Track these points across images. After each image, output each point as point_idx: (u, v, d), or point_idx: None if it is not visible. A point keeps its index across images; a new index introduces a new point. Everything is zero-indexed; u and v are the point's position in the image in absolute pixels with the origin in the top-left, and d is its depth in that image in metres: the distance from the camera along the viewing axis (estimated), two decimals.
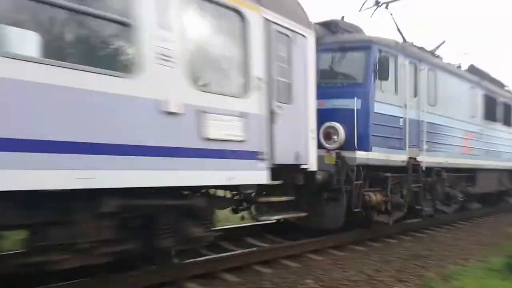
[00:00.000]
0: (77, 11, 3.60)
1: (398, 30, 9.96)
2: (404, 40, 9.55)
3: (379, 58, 7.64)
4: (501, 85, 13.75)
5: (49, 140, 3.29)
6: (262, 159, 5.33)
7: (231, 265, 5.67)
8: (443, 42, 11.12)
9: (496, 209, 13.73)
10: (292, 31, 6.00)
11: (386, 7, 10.02)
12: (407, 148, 8.50)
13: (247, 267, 5.84)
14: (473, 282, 5.84)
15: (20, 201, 3.32)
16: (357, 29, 8.82)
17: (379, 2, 10.00)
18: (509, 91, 14.16)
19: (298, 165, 6.08)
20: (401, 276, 6.13)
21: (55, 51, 3.64)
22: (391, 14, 10.08)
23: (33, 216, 3.53)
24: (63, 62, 3.43)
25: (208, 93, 4.69)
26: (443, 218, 10.61)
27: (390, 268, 6.39)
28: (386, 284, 5.74)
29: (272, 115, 5.52)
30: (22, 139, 3.12)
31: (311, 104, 6.40)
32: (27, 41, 3.31)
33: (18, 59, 3.13)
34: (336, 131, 7.30)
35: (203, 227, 4.97)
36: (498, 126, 12.77)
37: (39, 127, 3.24)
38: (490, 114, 12.22)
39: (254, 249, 6.46)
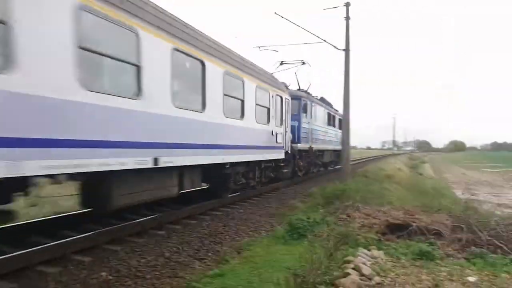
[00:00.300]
0: (261, 106, 11.91)
1: (298, 83, 19.60)
2: (299, 87, 19.11)
3: (303, 104, 17.26)
4: (330, 104, 24.19)
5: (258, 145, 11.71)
6: (283, 149, 13.82)
7: (7, 269, 4.91)
8: (310, 84, 21.34)
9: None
10: (287, 99, 14.42)
11: (295, 73, 19.84)
12: (309, 141, 18.03)
13: (28, 269, 5.12)
14: (261, 250, 6.49)
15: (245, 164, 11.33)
16: (286, 85, 15.98)
17: (283, 63, 18.99)
18: (334, 108, 24.90)
19: (287, 151, 14.39)
20: (199, 254, 6.34)
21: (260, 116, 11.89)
22: (295, 74, 19.73)
23: (247, 169, 11.73)
24: (258, 123, 11.77)
25: (277, 127, 13.17)
26: (242, 195, 11.58)
27: (189, 248, 6.53)
28: (185, 264, 5.84)
29: (285, 132, 14.13)
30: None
31: (289, 126, 14.95)
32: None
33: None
34: (290, 136, 15.06)
35: (273, 173, 14.15)
36: (331, 128, 23.37)
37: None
38: (329, 121, 22.77)
39: (36, 248, 5.55)
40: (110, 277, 5.04)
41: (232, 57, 9.88)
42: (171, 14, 7.69)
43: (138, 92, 6.36)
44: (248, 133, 10.74)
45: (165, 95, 7.05)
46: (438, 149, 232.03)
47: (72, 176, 5.85)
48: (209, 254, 6.42)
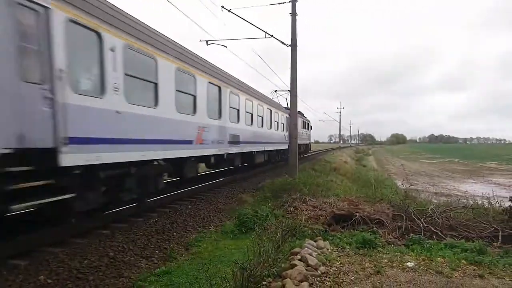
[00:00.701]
0: (282, 123, 23.84)
1: (287, 104, 23.84)
2: (287, 107, 22.70)
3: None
4: (302, 114, 30.21)
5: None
6: (287, 144, 21.84)
7: None
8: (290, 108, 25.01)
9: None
10: (287, 116, 21.08)
11: (286, 98, 26.14)
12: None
13: None
14: (210, 246, 6.45)
15: (277, 150, 23.34)
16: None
17: (276, 91, 27.19)
18: (305, 117, 32.19)
19: (288, 144, 20.72)
20: (146, 252, 6.18)
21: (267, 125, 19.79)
22: (286, 99, 25.88)
23: (277, 153, 23.97)
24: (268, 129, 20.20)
25: (286, 132, 23.58)
26: (187, 191, 11.36)
27: (135, 247, 6.32)
28: (131, 263, 5.68)
29: (288, 135, 19.97)
30: None
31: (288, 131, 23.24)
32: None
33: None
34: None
35: (282, 156, 24.53)
36: (304, 130, 31.07)
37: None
38: (303, 126, 29.54)
39: None
40: (49, 281, 4.78)
41: (277, 105, 22.53)
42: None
43: (251, 122, 16.02)
44: (279, 136, 22.34)
45: (257, 122, 17.09)
46: (381, 142, 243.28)
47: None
48: (156, 252, 6.29)
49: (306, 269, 4.65)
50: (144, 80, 7.80)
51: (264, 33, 15.26)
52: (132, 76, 7.29)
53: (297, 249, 5.44)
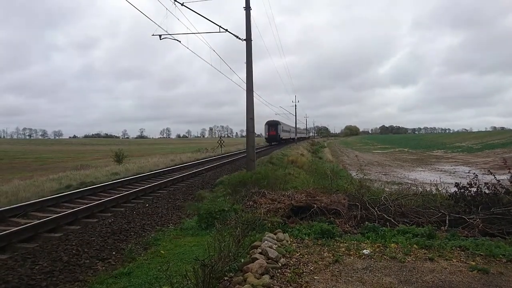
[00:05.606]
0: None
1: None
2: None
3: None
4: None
5: None
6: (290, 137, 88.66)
7: None
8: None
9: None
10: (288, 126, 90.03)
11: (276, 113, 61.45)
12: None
13: None
14: (169, 244, 6.37)
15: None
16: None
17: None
18: (289, 124, 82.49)
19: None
20: (102, 254, 6.00)
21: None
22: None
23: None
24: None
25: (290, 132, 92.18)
26: (144, 189, 11.10)
27: (90, 249, 6.12)
28: (86, 266, 5.49)
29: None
30: None
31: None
32: None
33: None
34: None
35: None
36: (288, 130, 79.36)
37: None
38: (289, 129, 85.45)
39: None
40: None
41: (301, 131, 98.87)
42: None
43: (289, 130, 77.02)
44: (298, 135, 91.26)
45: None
46: (336, 134, 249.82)
47: None
48: (113, 253, 6.11)
49: (267, 262, 4.69)
50: (284, 130, 65.53)
51: (218, 27, 15.14)
52: (283, 130, 64.73)
53: (257, 243, 5.47)
